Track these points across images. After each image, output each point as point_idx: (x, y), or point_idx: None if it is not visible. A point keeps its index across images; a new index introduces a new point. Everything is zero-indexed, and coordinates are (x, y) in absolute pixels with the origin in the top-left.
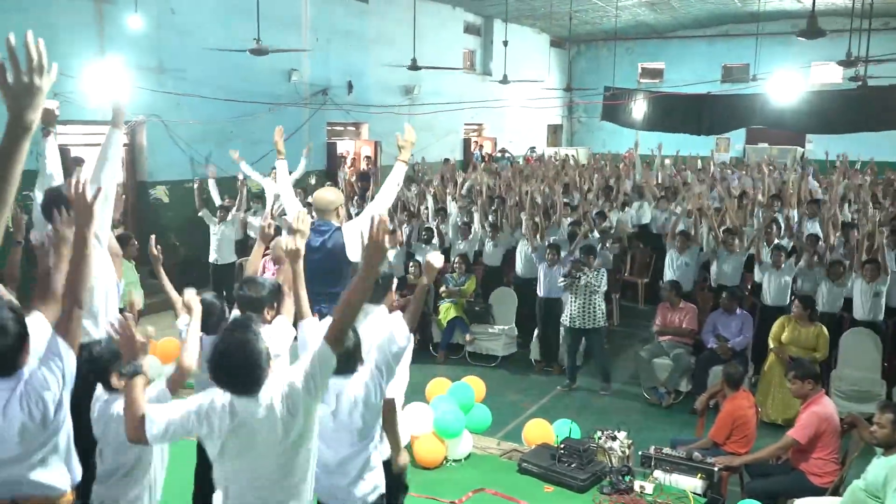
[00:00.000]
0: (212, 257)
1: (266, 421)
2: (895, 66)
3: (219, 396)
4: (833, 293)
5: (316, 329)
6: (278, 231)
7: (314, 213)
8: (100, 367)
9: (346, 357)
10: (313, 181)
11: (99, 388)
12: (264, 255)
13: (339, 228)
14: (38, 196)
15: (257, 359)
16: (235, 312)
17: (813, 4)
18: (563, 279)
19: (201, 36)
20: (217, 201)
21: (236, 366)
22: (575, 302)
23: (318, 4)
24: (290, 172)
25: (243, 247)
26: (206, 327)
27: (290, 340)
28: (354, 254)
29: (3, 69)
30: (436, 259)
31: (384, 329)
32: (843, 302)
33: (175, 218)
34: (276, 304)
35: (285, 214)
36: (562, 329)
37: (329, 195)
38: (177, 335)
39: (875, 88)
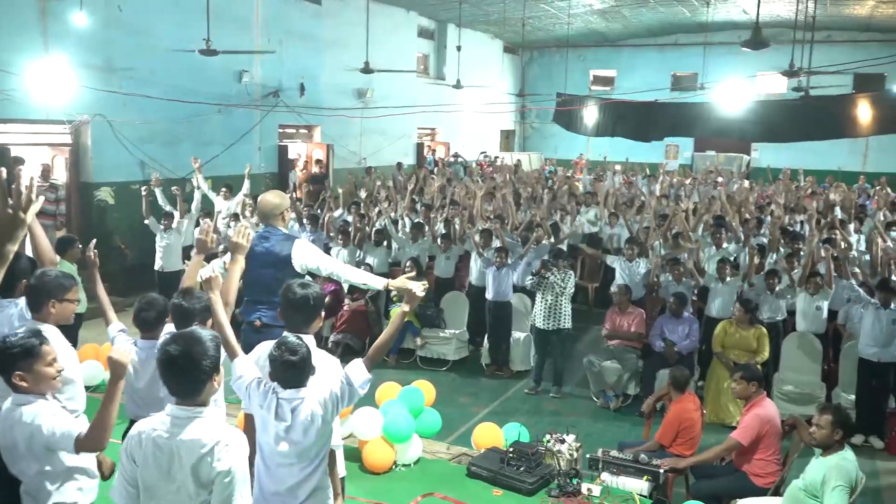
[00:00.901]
0: (157, 264)
1: (187, 447)
2: (837, 77)
3: (146, 423)
4: (773, 304)
5: (248, 366)
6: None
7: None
8: (7, 360)
9: (301, 368)
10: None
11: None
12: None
13: (287, 238)
14: None
15: (202, 358)
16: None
17: (757, 16)
18: (531, 277)
19: (150, 35)
20: (167, 207)
21: (182, 354)
22: (542, 302)
23: (270, 5)
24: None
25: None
26: (143, 323)
27: (252, 359)
28: (298, 267)
29: None
30: (417, 288)
31: (328, 375)
32: (784, 312)
33: (121, 220)
34: (209, 321)
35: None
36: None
37: (274, 199)
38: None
39: (817, 98)
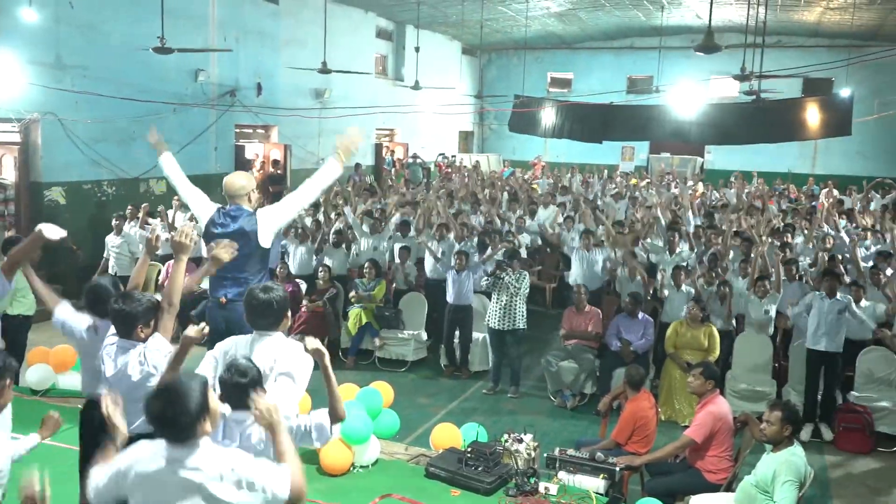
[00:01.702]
0: (110, 269)
1: (183, 486)
2: (787, 81)
3: (138, 456)
4: (722, 313)
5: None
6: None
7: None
8: None
9: (249, 389)
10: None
11: None
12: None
13: (252, 213)
14: None
15: (183, 415)
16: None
17: (709, 21)
18: (486, 278)
19: (103, 32)
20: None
21: (162, 412)
22: (496, 303)
23: (226, 4)
24: None
25: None
26: (97, 312)
27: (165, 359)
28: (265, 240)
29: None
30: (312, 343)
31: (283, 357)
32: (734, 320)
33: (73, 221)
34: (152, 322)
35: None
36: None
37: (240, 180)
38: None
39: (768, 102)
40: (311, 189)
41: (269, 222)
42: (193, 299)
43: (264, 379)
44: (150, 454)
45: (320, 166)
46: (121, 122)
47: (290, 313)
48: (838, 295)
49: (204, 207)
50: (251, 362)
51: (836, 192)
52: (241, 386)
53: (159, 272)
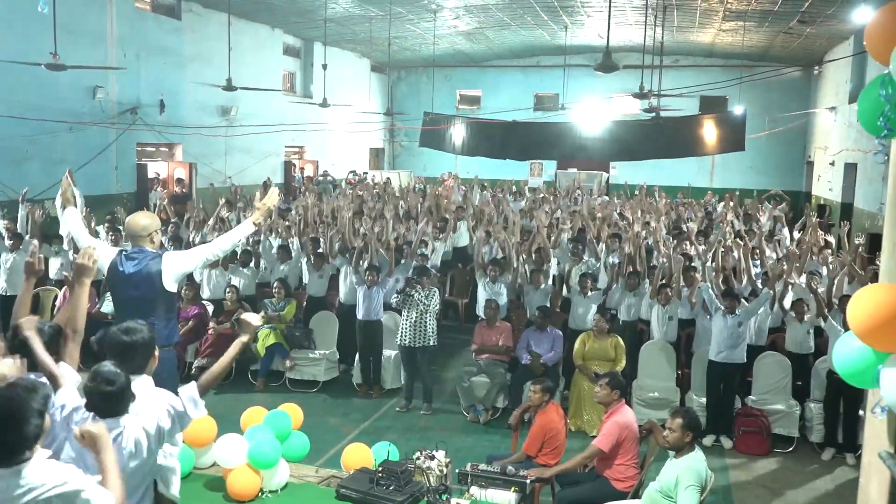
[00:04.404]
0: (0, 287)
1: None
2: (685, 99)
3: None
4: (631, 303)
5: (71, 395)
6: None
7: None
8: None
9: (119, 397)
10: (123, 209)
11: None
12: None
13: (157, 255)
14: None
15: (18, 428)
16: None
17: (608, 41)
18: (396, 295)
19: None
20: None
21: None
22: (407, 320)
23: (125, 19)
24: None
25: (41, 276)
26: None
27: (75, 387)
28: (170, 283)
29: None
30: (252, 318)
31: (153, 406)
32: (641, 313)
33: None
34: (55, 350)
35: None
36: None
37: (143, 220)
38: None
39: (667, 119)
40: (221, 244)
41: (174, 266)
42: (93, 325)
43: None
44: None
45: (231, 186)
46: (11, 141)
47: (157, 353)
48: (737, 311)
49: (105, 253)
50: (118, 369)
51: (732, 203)
52: (108, 395)
53: (56, 297)
